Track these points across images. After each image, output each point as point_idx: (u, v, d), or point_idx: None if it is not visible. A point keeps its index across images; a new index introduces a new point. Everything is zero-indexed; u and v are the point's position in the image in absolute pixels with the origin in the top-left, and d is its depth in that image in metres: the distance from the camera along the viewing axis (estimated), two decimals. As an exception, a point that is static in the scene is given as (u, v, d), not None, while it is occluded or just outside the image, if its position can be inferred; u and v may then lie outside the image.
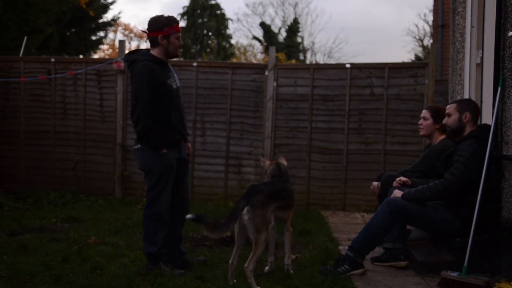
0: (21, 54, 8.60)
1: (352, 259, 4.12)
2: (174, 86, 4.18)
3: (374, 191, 4.91)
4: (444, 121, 4.40)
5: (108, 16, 16.30)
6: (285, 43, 29.62)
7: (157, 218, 4.16)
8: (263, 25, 31.34)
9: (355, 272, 4.11)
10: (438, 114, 4.69)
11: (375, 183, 4.88)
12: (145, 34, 4.21)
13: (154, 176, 4.13)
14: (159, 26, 4.09)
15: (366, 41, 41.21)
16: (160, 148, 4.07)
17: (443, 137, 4.69)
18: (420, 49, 27.69)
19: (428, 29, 27.28)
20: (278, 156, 7.52)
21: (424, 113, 4.81)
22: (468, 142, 4.11)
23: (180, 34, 4.19)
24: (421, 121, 4.83)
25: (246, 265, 3.78)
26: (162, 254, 4.18)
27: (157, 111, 4.07)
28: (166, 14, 4.22)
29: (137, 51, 4.27)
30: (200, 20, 29.91)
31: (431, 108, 4.83)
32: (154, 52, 4.15)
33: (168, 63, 4.24)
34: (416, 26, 38.93)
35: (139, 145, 4.13)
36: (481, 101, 4.69)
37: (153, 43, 4.15)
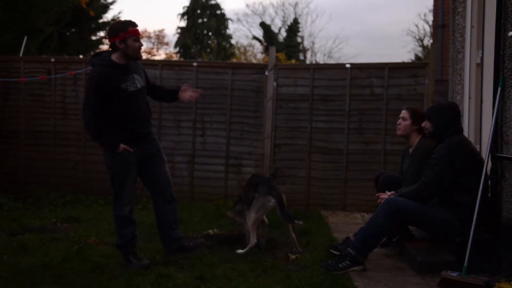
0: (21, 54, 8.58)
1: (354, 256, 4.16)
2: (132, 89, 4.27)
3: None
4: (423, 124, 4.48)
5: (108, 16, 16.30)
6: (285, 43, 29.65)
7: (122, 218, 4.38)
8: (263, 25, 31.37)
9: (355, 268, 4.15)
10: (417, 115, 4.73)
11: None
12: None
13: (112, 174, 4.34)
14: (115, 32, 4.22)
15: (366, 41, 41.21)
16: (115, 147, 4.22)
17: (420, 137, 4.73)
18: (420, 49, 27.73)
19: (428, 29, 27.33)
20: (278, 156, 7.56)
21: (403, 113, 4.84)
22: (444, 144, 4.19)
23: (138, 37, 4.26)
24: (399, 121, 4.86)
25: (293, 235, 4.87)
26: (128, 247, 4.39)
27: (108, 114, 4.22)
28: (128, 19, 4.34)
29: (100, 54, 4.43)
30: (200, 20, 29.94)
31: (411, 109, 4.86)
32: (113, 56, 4.27)
33: (128, 64, 4.29)
34: (416, 26, 39.02)
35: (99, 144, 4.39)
36: (481, 101, 4.70)
37: (113, 48, 4.27)
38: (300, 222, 4.64)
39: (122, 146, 4.22)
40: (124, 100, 4.23)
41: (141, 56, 4.35)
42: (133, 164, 4.33)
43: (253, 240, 4.70)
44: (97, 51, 17.10)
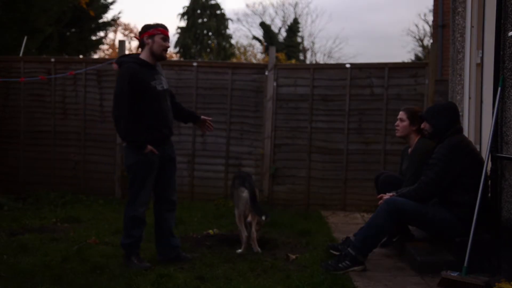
0: (21, 54, 8.59)
1: (354, 256, 4.16)
2: (159, 88, 4.34)
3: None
4: (422, 126, 4.48)
5: (108, 16, 16.31)
6: (285, 43, 29.64)
7: (134, 217, 4.35)
8: (263, 25, 31.36)
9: (355, 268, 4.15)
10: (414, 116, 4.74)
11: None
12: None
13: (132, 174, 4.33)
14: (145, 29, 4.36)
15: (366, 41, 41.21)
16: (143, 147, 4.23)
17: (419, 137, 4.73)
18: (420, 49, 27.71)
19: (428, 29, 27.31)
20: (278, 156, 7.56)
21: (401, 114, 4.85)
22: (444, 144, 4.19)
23: (166, 37, 4.37)
24: (397, 122, 4.87)
25: (253, 230, 4.74)
26: (134, 247, 4.37)
27: (138, 110, 4.24)
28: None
29: (128, 55, 4.55)
30: (200, 20, 29.91)
31: (408, 109, 4.86)
32: (142, 55, 4.38)
33: (156, 65, 4.41)
34: (416, 26, 38.95)
35: (125, 143, 4.36)
36: (481, 101, 4.70)
37: (141, 46, 4.39)
38: (267, 219, 4.78)
39: (148, 147, 4.24)
40: (152, 99, 4.28)
41: (166, 57, 4.43)
42: (155, 165, 4.34)
43: (243, 233, 4.78)
44: (97, 50, 17.12)
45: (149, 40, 4.30)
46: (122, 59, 4.42)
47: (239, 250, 4.72)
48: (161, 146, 4.37)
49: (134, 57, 4.40)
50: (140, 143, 4.24)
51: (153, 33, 4.30)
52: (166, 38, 4.36)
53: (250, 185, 4.79)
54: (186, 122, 4.84)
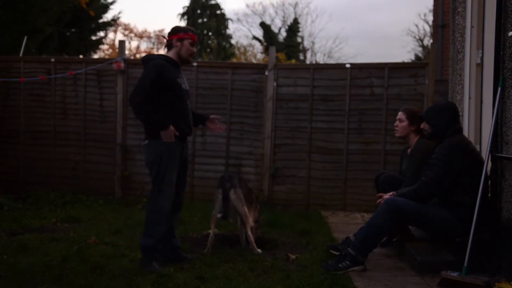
0: (21, 54, 8.59)
1: (354, 256, 4.16)
2: (184, 87, 4.42)
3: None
4: (421, 126, 4.49)
5: (108, 16, 16.30)
6: (285, 43, 29.64)
7: (158, 211, 4.28)
8: (263, 25, 31.37)
9: (355, 268, 4.15)
10: (413, 116, 4.75)
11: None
12: (158, 39, 4.48)
13: (156, 167, 4.27)
14: (175, 31, 4.44)
15: (366, 41, 41.21)
16: (166, 125, 4.20)
17: (418, 137, 4.74)
18: (420, 49, 27.72)
19: (428, 29, 27.32)
20: (278, 156, 7.56)
21: (400, 115, 4.86)
22: (444, 144, 4.19)
23: (195, 42, 4.47)
24: (396, 123, 4.88)
25: (249, 233, 4.76)
26: (156, 249, 4.31)
27: (162, 106, 4.26)
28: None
29: (156, 54, 4.63)
30: (200, 20, 29.91)
31: (407, 110, 4.88)
32: (169, 54, 4.46)
33: (180, 66, 4.48)
34: (416, 26, 38.95)
35: (147, 141, 4.33)
36: (481, 101, 4.70)
37: (169, 47, 4.47)
38: (228, 219, 4.89)
39: (171, 127, 4.21)
40: (177, 96, 4.33)
41: (191, 61, 4.54)
42: (177, 158, 4.35)
43: (211, 232, 4.85)
44: (97, 50, 17.12)
45: (178, 43, 4.39)
46: (150, 56, 4.50)
47: (205, 251, 4.76)
48: (181, 144, 4.40)
49: (162, 55, 4.47)
50: (162, 122, 4.21)
51: (183, 36, 4.38)
52: (194, 43, 4.45)
53: (225, 188, 4.77)
54: (197, 125, 4.80)
